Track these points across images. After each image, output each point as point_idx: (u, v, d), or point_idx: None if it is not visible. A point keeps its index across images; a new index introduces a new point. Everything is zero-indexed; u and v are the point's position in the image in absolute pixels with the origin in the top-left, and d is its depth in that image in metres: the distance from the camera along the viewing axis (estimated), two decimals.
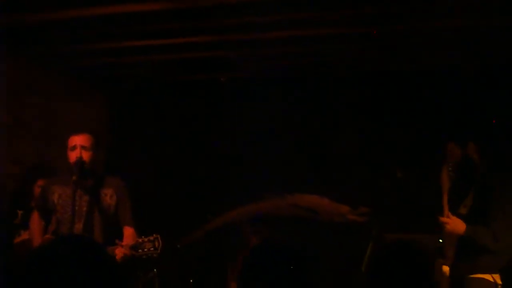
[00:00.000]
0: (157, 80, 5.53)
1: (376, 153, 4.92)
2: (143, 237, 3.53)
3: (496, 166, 3.56)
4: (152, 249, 3.48)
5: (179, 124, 5.63)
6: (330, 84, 5.18)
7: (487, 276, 3.32)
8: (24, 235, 4.21)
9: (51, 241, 1.78)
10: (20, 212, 4.43)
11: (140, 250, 3.50)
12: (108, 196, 3.80)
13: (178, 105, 5.64)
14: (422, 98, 4.92)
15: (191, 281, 4.50)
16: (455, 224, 3.35)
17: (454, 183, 3.72)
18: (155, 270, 4.08)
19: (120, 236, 3.72)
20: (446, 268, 3.65)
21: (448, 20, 3.91)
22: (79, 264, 1.60)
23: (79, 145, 3.70)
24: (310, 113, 5.25)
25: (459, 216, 3.46)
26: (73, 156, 3.71)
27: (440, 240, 4.25)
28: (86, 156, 3.70)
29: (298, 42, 4.46)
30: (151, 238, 3.50)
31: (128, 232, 3.73)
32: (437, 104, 4.82)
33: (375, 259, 2.30)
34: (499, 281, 3.32)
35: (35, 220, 3.91)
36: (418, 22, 4.01)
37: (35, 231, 3.88)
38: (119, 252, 3.54)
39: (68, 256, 1.61)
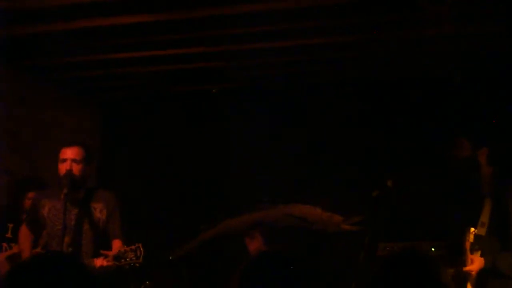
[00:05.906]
0: (147, 91, 5.51)
1: (368, 163, 4.93)
2: (125, 246, 3.51)
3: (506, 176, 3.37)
4: (134, 258, 3.45)
5: (169, 136, 5.61)
6: (320, 94, 5.19)
7: None
8: (15, 249, 4.16)
9: (30, 258, 1.79)
10: (10, 226, 4.38)
11: (122, 260, 3.47)
12: (98, 210, 3.76)
13: (169, 117, 5.62)
14: (414, 106, 4.93)
15: None
16: (478, 266, 3.26)
17: (463, 196, 3.53)
18: (147, 282, 4.05)
19: (110, 249, 3.68)
20: None
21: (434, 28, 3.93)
22: (56, 282, 1.62)
23: (69, 158, 3.68)
24: (301, 123, 5.25)
25: (479, 238, 3.32)
26: (63, 169, 3.68)
27: (433, 249, 4.23)
28: (76, 169, 3.68)
29: (288, 52, 4.48)
30: (133, 247, 3.47)
31: (116, 245, 3.69)
32: (430, 112, 4.82)
33: (381, 271, 2.17)
34: None
35: (24, 234, 3.86)
36: (407, 30, 4.04)
37: (24, 245, 3.84)
38: (98, 262, 3.50)
39: (45, 275, 1.62)
